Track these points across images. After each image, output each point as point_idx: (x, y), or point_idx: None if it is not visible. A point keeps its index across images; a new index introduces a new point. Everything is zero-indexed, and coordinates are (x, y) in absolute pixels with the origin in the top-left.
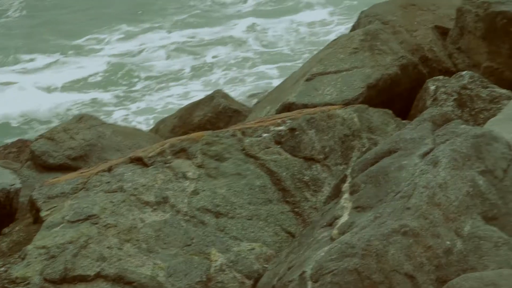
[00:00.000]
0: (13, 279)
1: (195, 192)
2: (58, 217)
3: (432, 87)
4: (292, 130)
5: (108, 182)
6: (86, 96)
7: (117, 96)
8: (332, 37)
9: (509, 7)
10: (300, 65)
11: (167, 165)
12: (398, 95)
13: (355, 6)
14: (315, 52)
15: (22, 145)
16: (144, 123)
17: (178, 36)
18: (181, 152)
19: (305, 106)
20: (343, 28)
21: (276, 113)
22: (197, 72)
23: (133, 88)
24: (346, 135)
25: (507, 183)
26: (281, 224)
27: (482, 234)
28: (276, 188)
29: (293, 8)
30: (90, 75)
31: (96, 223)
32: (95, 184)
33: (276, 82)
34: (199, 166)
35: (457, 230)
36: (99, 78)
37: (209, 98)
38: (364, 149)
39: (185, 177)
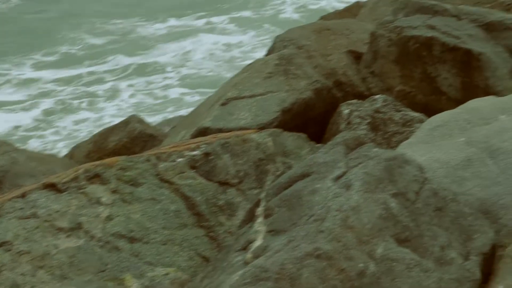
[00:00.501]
0: None
1: (109, 218)
2: None
3: (346, 111)
4: (206, 154)
5: (22, 208)
6: None
7: (34, 121)
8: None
9: (421, 32)
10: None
11: (81, 190)
12: (312, 119)
13: (276, 30)
14: None
15: None
16: (59, 149)
17: (96, 62)
18: (95, 177)
19: (220, 130)
20: (263, 52)
21: (191, 138)
22: (114, 97)
23: (48, 114)
24: (260, 159)
25: (419, 205)
26: (196, 248)
27: (395, 256)
28: (191, 213)
29: (210, 31)
30: (2, 102)
31: (9, 250)
32: (8, 210)
33: (193, 107)
34: (114, 192)
35: (370, 253)
36: (12, 105)
37: (124, 123)
38: (278, 173)
39: (99, 202)
